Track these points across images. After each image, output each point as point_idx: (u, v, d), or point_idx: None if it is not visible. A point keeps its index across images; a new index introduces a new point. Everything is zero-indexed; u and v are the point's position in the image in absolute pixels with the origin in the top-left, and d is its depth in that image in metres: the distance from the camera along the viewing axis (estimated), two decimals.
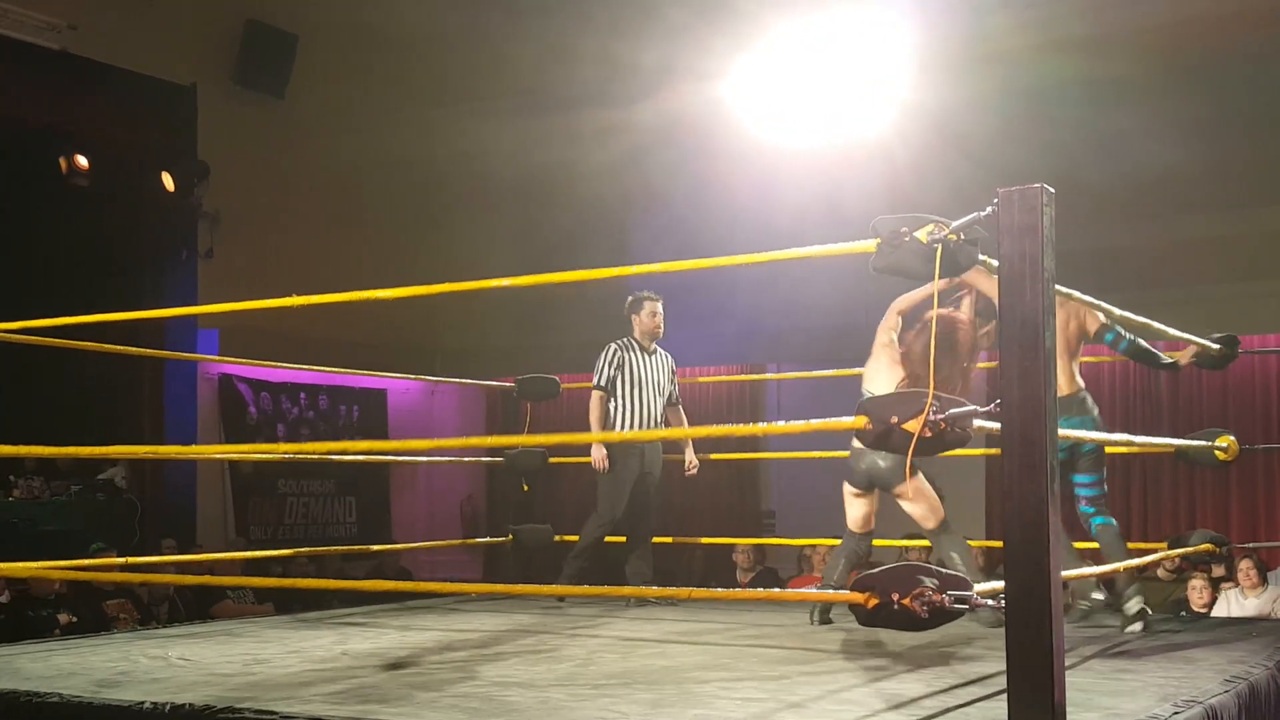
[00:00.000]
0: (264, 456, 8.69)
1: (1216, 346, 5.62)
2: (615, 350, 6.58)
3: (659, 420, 6.62)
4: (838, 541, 5.82)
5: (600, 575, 6.72)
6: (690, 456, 6.79)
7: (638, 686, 3.88)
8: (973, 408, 3.24)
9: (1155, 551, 6.12)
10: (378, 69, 11.62)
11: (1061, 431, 3.41)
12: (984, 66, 9.35)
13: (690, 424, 7.12)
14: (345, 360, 8.47)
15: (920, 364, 5.00)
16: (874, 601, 3.16)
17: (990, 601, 3.17)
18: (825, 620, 5.57)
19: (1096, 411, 5.38)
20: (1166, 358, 5.59)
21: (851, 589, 3.22)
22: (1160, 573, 8.11)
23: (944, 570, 3.24)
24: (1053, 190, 3.11)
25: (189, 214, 10.39)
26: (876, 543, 5.90)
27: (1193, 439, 5.84)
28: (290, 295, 4.58)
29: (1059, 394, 5.16)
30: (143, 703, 3.60)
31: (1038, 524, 3.01)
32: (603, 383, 6.54)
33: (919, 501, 5.30)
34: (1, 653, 4.77)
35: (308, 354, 8.51)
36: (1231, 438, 5.70)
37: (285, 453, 7.69)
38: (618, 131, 10.45)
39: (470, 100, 11.47)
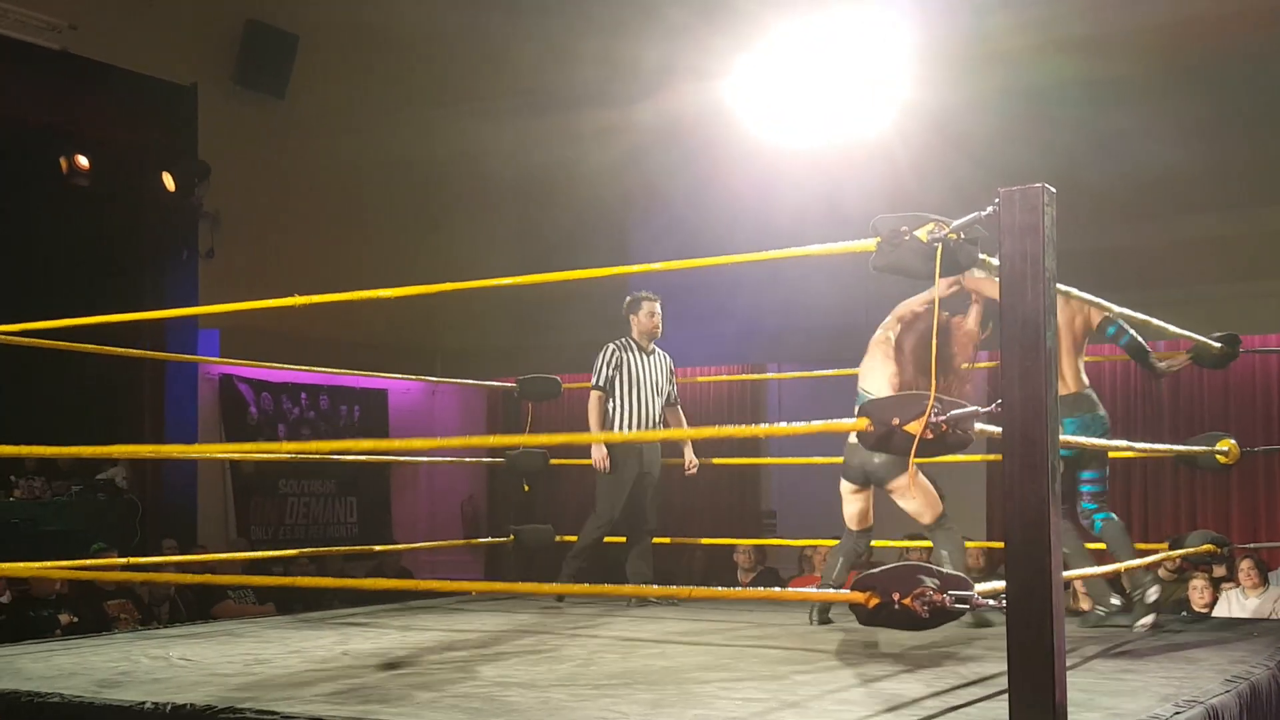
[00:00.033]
0: (265, 456, 8.68)
1: (1218, 345, 5.63)
2: (613, 350, 6.58)
3: (657, 420, 6.60)
4: (838, 542, 5.83)
5: (600, 575, 6.72)
6: (690, 457, 6.79)
7: (638, 686, 3.88)
8: (974, 409, 3.24)
9: (1156, 552, 6.12)
10: (378, 69, 11.63)
11: (1062, 438, 3.41)
12: (984, 66, 9.36)
13: (690, 424, 7.11)
14: (346, 360, 8.46)
15: (910, 361, 5.01)
16: (875, 601, 3.16)
17: (991, 602, 3.17)
18: (825, 620, 5.56)
19: (1103, 409, 5.38)
20: (1159, 364, 5.58)
21: (852, 589, 3.22)
22: (1161, 573, 8.10)
23: (945, 570, 3.24)
24: (1054, 190, 3.11)
25: (189, 214, 10.38)
26: (877, 543, 5.91)
27: (1194, 443, 5.84)
28: (291, 295, 4.58)
29: (1066, 392, 5.20)
30: (144, 703, 3.60)
31: (1039, 524, 3.01)
32: (600, 383, 6.54)
33: (914, 497, 5.30)
34: (2, 653, 4.77)
35: (308, 354, 8.51)
36: (1233, 441, 5.70)
37: (286, 453, 7.68)
38: (618, 131, 10.46)
39: (470, 100, 11.48)
